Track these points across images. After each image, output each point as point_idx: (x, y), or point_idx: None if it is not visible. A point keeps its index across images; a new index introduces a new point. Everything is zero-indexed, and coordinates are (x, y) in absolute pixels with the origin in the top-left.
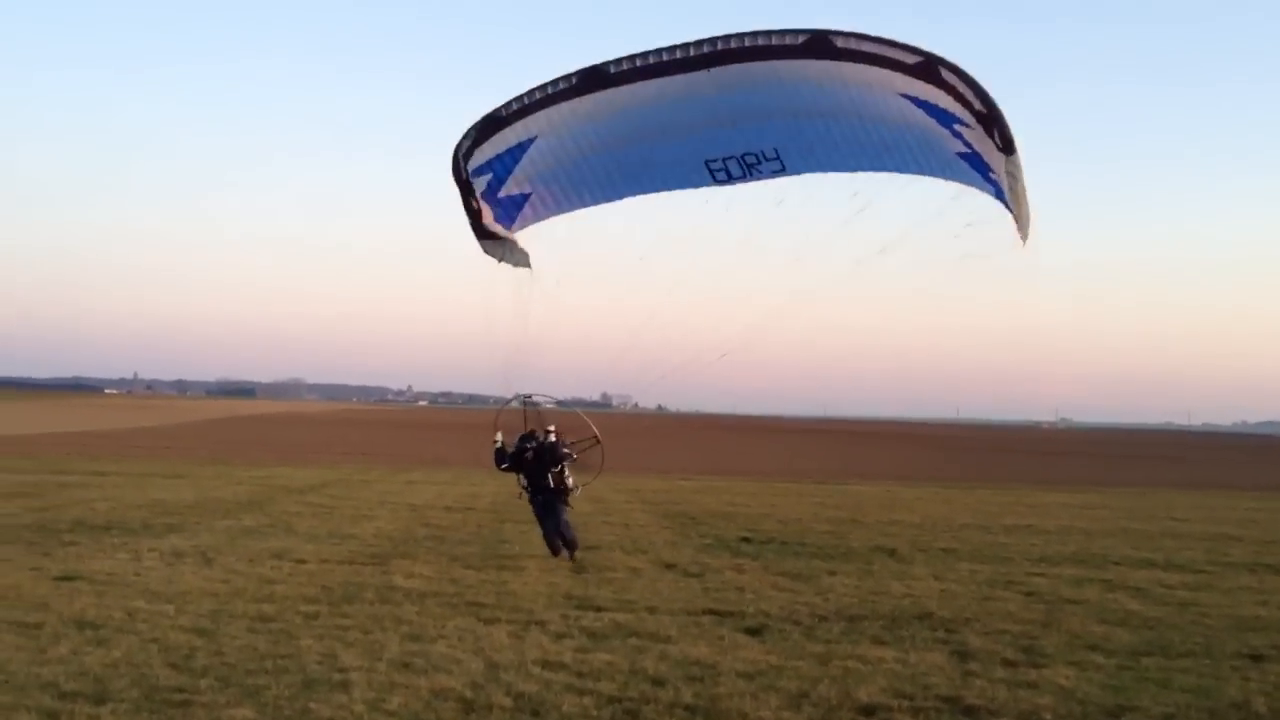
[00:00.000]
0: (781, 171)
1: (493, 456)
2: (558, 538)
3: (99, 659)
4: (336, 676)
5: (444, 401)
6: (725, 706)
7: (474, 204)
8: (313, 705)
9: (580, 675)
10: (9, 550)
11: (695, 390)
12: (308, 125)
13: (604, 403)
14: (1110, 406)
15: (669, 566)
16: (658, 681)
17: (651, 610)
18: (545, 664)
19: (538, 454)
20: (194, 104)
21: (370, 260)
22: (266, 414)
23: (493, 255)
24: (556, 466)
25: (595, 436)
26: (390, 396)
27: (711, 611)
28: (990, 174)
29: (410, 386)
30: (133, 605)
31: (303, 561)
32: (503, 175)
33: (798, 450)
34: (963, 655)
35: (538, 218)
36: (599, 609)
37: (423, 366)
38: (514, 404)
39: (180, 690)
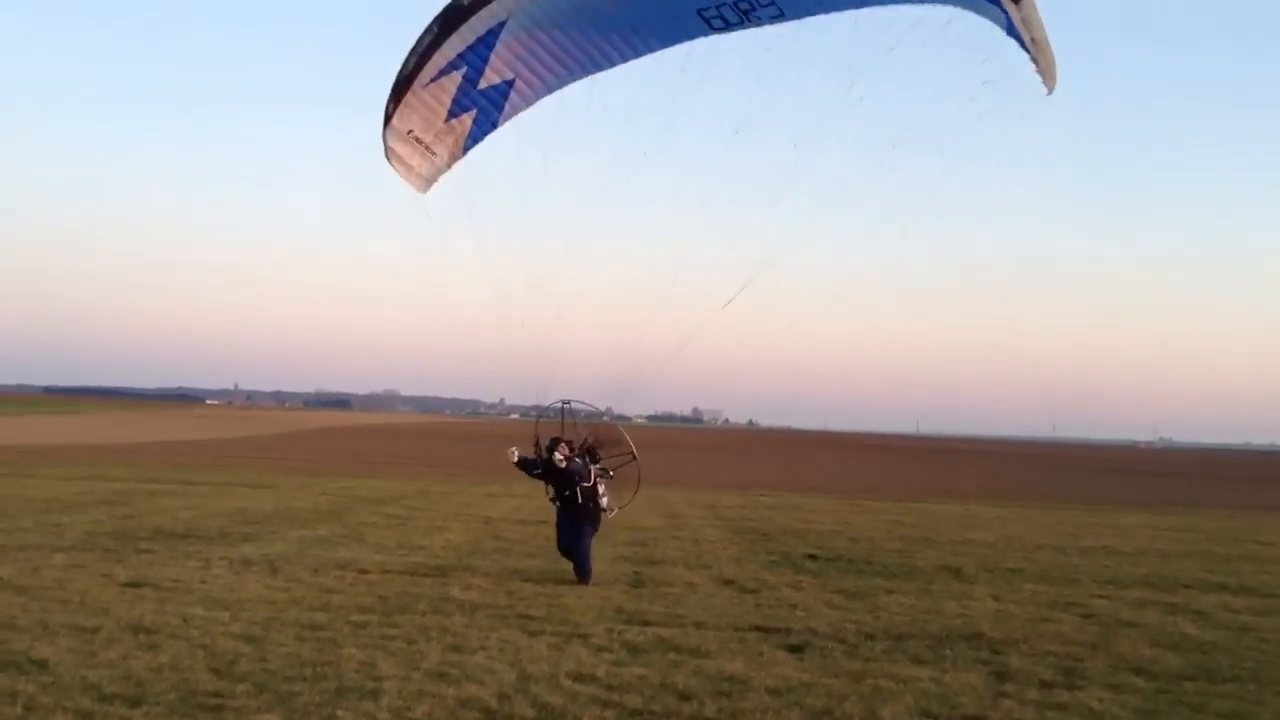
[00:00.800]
0: (780, 17)
1: (519, 464)
2: (577, 558)
3: (145, 663)
4: (370, 685)
5: (534, 415)
6: None
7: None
8: (340, 712)
9: (609, 688)
10: (85, 557)
11: (781, 404)
12: None
13: (694, 418)
14: (1215, 426)
15: (727, 583)
16: (685, 696)
17: (698, 625)
18: (577, 676)
19: (555, 467)
20: (291, 117)
21: (466, 273)
22: (359, 425)
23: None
24: (585, 482)
25: (632, 453)
26: (483, 409)
27: (758, 628)
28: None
29: (503, 399)
30: (189, 612)
31: (365, 572)
32: (479, 66)
33: (884, 467)
34: (1001, 676)
35: (527, 102)
36: (645, 623)
37: (515, 378)
38: (550, 412)
39: (216, 695)
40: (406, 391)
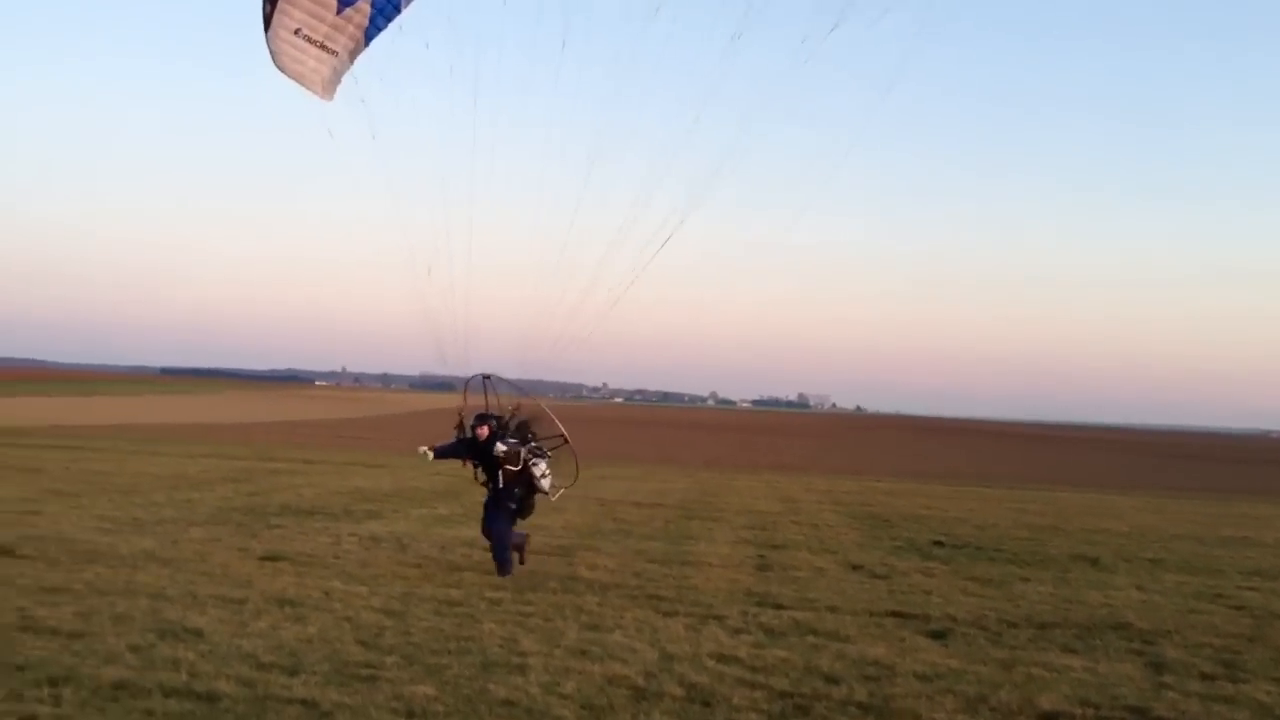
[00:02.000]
0: None
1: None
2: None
3: (295, 634)
4: (515, 660)
5: (639, 399)
6: (899, 706)
7: None
8: (491, 686)
9: (754, 670)
10: (220, 530)
11: (891, 390)
12: None
13: (800, 402)
14: None
15: (855, 568)
16: (832, 679)
17: (833, 610)
18: (719, 657)
19: (479, 443)
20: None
21: (568, 254)
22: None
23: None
24: (513, 465)
25: (563, 435)
26: (585, 393)
27: (895, 614)
28: None
29: (605, 384)
30: (330, 585)
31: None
32: None
33: (1001, 455)
34: (1157, 667)
35: None
36: (779, 606)
37: (617, 365)
38: (473, 387)
39: (368, 665)
40: (511, 374)
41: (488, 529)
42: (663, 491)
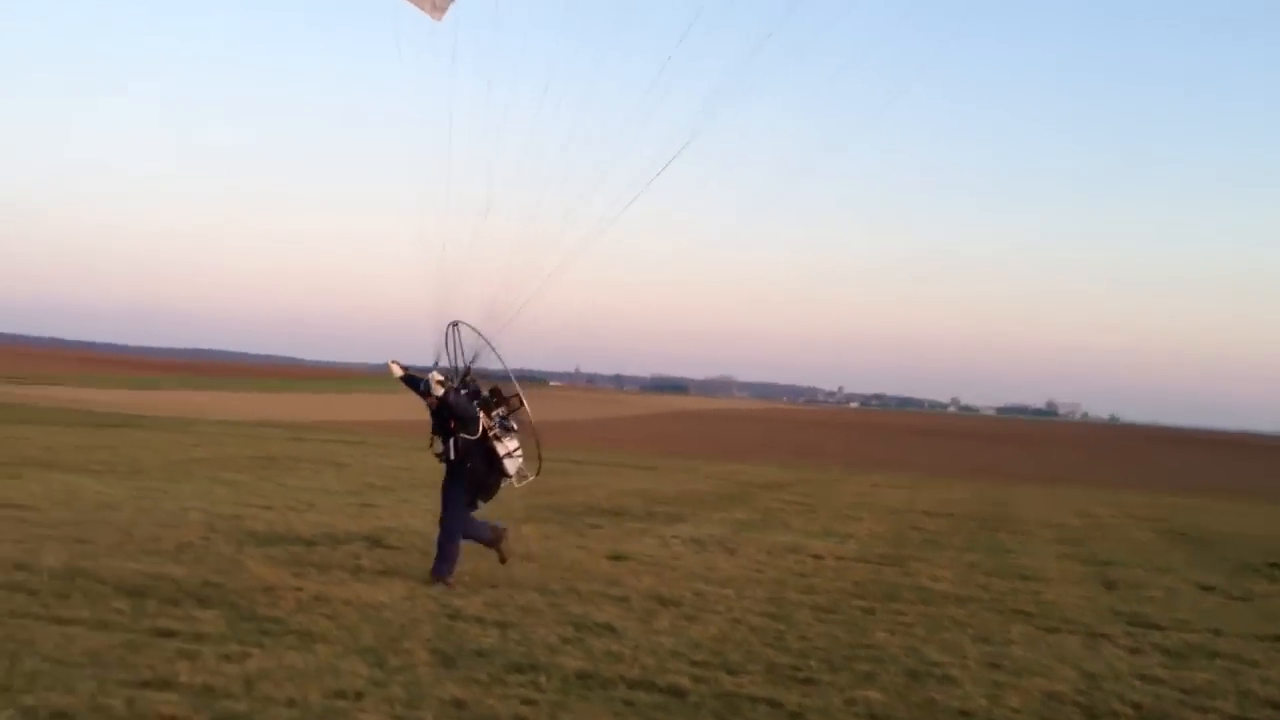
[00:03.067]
0: None
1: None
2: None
3: (701, 633)
4: (933, 670)
5: (876, 404)
6: None
7: None
8: (936, 696)
9: (1185, 691)
10: (547, 529)
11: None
12: None
13: (1048, 410)
14: None
15: (1206, 588)
16: (1274, 705)
17: (1217, 632)
18: (1141, 677)
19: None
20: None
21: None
22: (699, 410)
23: None
24: (470, 433)
25: (518, 396)
26: (821, 397)
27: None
28: None
29: (841, 388)
30: (696, 587)
31: (819, 557)
32: None
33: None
34: None
35: None
36: (1157, 626)
37: (855, 367)
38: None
39: (796, 669)
40: (743, 377)
41: (441, 515)
42: (946, 501)
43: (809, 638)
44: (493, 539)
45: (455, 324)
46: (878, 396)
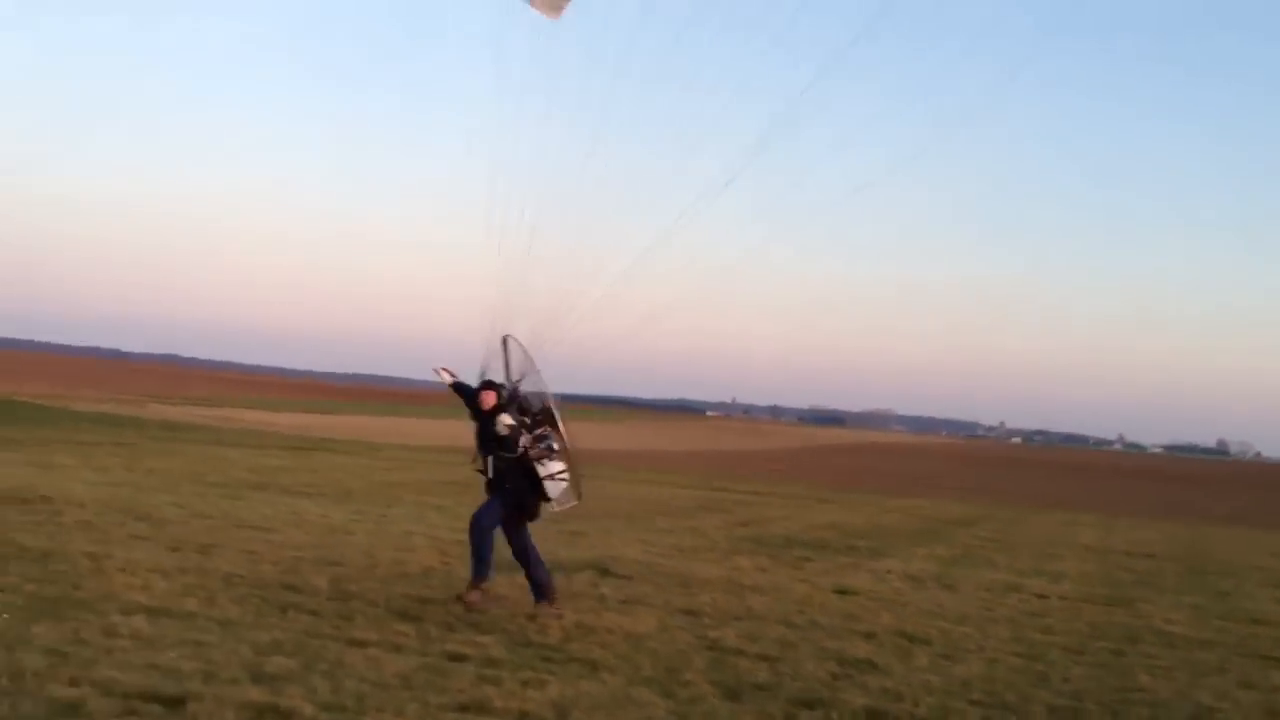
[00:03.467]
0: None
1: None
2: (531, 567)
3: (966, 673)
4: (1217, 715)
5: (1039, 439)
6: None
7: None
8: None
9: None
10: (762, 561)
11: None
12: None
13: (1219, 450)
14: None
15: None
16: None
17: None
18: None
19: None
20: None
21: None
22: (858, 443)
23: None
24: (511, 450)
25: (550, 414)
26: (980, 431)
27: None
28: None
29: (1003, 422)
30: (937, 625)
31: (1043, 597)
32: None
33: None
34: None
35: None
36: None
37: (1017, 400)
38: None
39: (1076, 711)
40: (901, 410)
41: (473, 521)
42: (1141, 541)
43: (1071, 679)
44: (543, 582)
45: (506, 339)
46: (1041, 432)
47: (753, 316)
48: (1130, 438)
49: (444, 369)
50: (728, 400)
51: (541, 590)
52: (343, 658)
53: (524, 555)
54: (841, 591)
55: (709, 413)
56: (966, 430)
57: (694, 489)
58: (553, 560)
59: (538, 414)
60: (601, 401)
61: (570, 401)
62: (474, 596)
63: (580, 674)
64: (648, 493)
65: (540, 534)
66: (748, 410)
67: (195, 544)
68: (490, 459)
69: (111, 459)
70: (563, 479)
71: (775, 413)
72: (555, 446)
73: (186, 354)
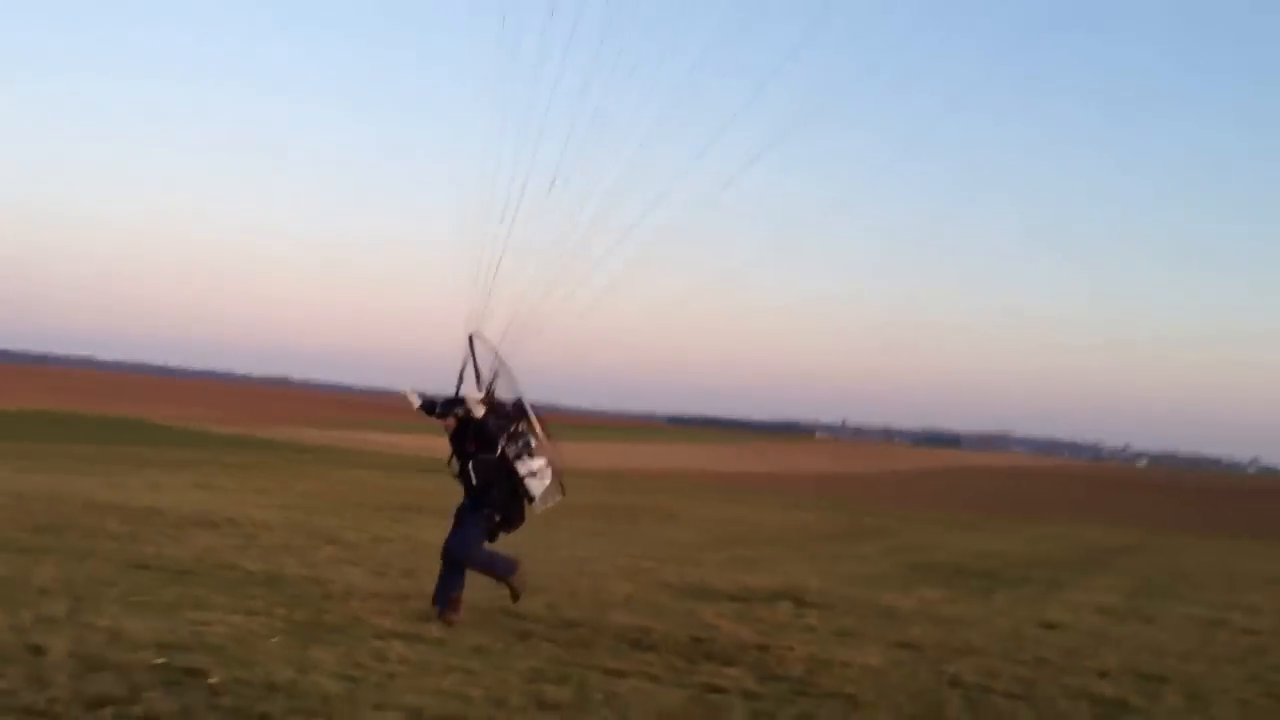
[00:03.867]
0: None
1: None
2: (451, 570)
3: (1227, 715)
4: None
5: (1167, 462)
6: None
7: None
8: None
9: None
10: (941, 592)
11: None
12: None
13: None
14: None
15: None
16: None
17: None
18: None
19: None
20: None
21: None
22: (978, 466)
23: None
24: (489, 451)
25: (520, 409)
26: (1105, 454)
27: None
28: None
29: (1128, 445)
30: (1165, 662)
31: (1253, 632)
32: None
33: None
34: None
35: None
36: None
37: (1145, 422)
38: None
39: None
40: (1021, 432)
41: (448, 542)
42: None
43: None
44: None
45: (472, 337)
46: (1168, 455)
47: (859, 339)
48: (1266, 460)
49: (412, 391)
50: (837, 422)
51: (447, 601)
52: (610, 688)
53: (459, 556)
54: (1047, 626)
55: (818, 434)
56: (1090, 453)
57: (827, 511)
58: (742, 587)
59: (511, 411)
60: (706, 423)
61: (677, 424)
62: (519, 582)
63: (847, 711)
64: (787, 518)
65: (701, 557)
66: (858, 431)
67: (397, 568)
68: (470, 465)
69: (265, 480)
70: (537, 475)
71: (887, 434)
72: (533, 443)
73: (298, 376)
